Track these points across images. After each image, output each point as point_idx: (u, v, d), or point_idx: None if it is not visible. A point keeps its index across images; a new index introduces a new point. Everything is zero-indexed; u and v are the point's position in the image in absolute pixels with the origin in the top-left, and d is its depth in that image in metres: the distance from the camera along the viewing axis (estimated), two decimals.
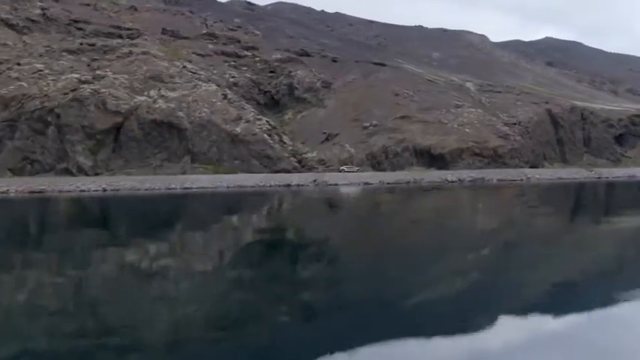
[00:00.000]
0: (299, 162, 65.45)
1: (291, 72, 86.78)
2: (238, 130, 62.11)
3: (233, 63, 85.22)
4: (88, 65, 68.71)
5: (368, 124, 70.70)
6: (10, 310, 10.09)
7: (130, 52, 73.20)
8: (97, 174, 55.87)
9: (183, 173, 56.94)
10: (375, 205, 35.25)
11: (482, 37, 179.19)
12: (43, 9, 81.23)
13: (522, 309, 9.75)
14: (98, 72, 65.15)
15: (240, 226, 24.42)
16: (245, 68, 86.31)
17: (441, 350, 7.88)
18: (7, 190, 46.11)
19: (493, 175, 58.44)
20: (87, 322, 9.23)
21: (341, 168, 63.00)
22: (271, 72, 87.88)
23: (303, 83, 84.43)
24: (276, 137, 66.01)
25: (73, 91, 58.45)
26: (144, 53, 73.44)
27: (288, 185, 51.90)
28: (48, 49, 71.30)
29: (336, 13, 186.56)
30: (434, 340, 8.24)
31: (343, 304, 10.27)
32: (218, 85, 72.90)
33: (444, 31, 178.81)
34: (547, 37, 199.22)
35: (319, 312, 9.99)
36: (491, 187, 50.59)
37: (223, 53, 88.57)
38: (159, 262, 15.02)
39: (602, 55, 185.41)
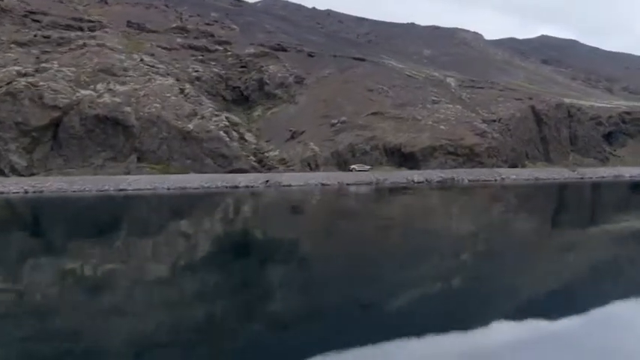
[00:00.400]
0: (259, 161, 60.80)
1: (262, 67, 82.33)
2: (191, 126, 57.44)
3: (200, 57, 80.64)
4: (37, 58, 64.15)
5: (336, 121, 65.99)
6: None
7: (84, 45, 68.62)
8: (32, 174, 51.27)
9: (127, 173, 52.30)
10: (296, 212, 30.68)
11: (476, 35, 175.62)
12: None
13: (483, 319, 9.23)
14: (44, 65, 60.56)
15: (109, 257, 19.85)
16: (214, 63, 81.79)
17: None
18: None
19: (464, 175, 53.68)
20: None
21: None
22: (242, 67, 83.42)
23: (275, 78, 79.89)
24: (235, 135, 61.33)
25: (8, 84, 53.83)
26: (99, 45, 68.85)
27: (236, 187, 47.28)
28: None
29: (328, 10, 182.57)
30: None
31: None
32: (178, 80, 68.31)
33: (437, 28, 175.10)
34: (542, 36, 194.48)
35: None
36: (459, 189, 45.84)
37: (192, 47, 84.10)
38: None
39: (598, 53, 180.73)
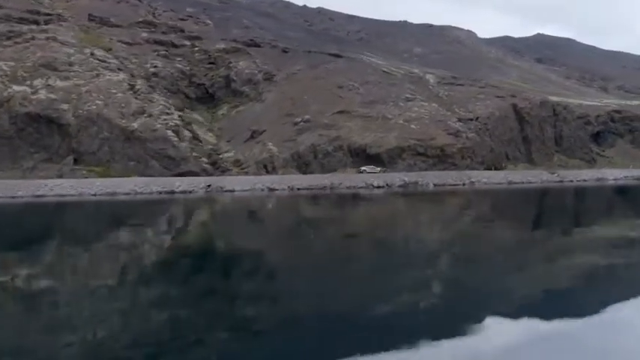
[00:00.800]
0: (213, 163, 56.07)
1: (231, 63, 77.69)
2: (135, 125, 52.73)
3: (164, 52, 75.94)
4: None
5: (299, 120, 61.24)
6: None
7: (33, 38, 64.06)
8: None
9: (60, 176, 47.62)
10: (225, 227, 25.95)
11: (470, 33, 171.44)
12: None
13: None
14: None
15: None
16: (179, 59, 77.11)
17: None
18: None
19: (431, 178, 48.81)
20: None
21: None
22: (210, 63, 78.78)
23: (242, 75, 75.18)
24: (186, 135, 56.62)
25: None
26: (48, 39, 64.27)
27: (172, 192, 42.52)
28: None
29: (319, 8, 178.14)
30: None
31: None
32: (132, 75, 63.71)
33: (430, 26, 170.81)
34: (538, 34, 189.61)
35: None
36: (420, 195, 40.96)
37: (157, 42, 79.38)
38: None
39: (595, 52, 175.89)
